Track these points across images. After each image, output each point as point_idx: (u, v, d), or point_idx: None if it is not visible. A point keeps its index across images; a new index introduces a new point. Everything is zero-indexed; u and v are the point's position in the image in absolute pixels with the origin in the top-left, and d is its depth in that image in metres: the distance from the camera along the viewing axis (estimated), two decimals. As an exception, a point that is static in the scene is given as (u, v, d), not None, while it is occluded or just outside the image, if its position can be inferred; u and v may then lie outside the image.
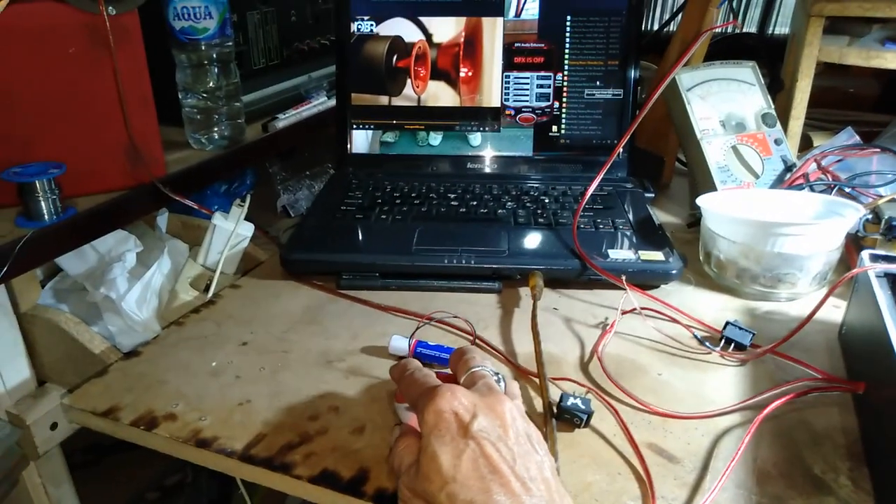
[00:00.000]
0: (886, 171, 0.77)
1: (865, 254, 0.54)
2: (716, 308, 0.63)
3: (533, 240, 0.70)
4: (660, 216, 0.80)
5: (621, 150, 0.80)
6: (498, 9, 0.85)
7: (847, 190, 0.74)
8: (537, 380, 0.52)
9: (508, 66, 0.86)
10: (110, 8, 0.63)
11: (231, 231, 0.73)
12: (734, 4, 1.34)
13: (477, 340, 0.58)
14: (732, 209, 0.66)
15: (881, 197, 0.68)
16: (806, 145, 0.94)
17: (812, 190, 0.72)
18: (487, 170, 0.87)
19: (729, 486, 0.42)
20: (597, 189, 0.77)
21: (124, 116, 0.67)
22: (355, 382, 0.53)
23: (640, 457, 0.44)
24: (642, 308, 0.60)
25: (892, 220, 0.62)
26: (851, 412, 0.49)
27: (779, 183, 0.76)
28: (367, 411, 0.49)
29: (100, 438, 0.53)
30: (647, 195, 0.80)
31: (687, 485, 0.43)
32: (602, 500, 0.42)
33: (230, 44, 0.82)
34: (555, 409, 0.48)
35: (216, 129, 0.83)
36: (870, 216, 0.65)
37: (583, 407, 0.47)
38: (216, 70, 0.81)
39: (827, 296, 0.52)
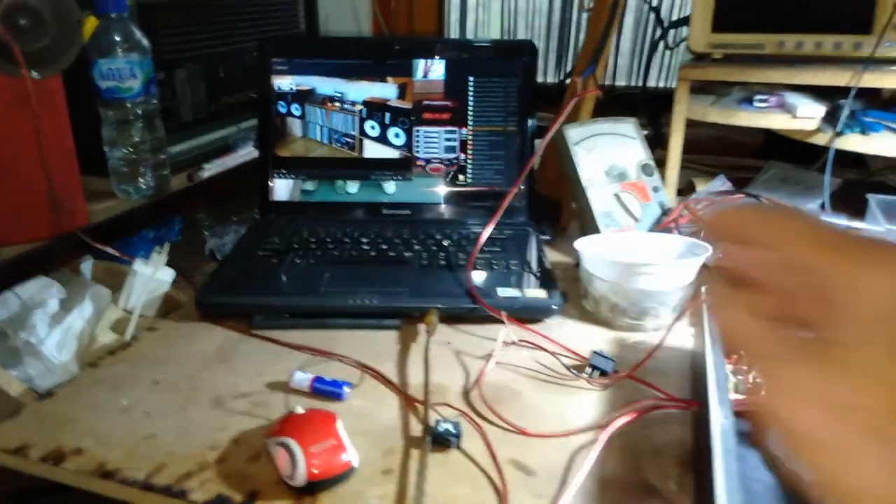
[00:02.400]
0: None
1: (705, 287, 0.62)
2: (592, 339, 0.70)
3: (432, 280, 0.77)
4: (555, 256, 0.88)
5: (521, 196, 0.89)
6: (407, 70, 0.93)
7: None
8: (422, 407, 0.58)
9: (418, 121, 0.94)
10: (33, 72, 0.69)
11: (150, 276, 0.77)
12: (615, 62, 1.47)
13: (370, 373, 0.64)
14: (604, 251, 0.74)
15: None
16: (690, 189, 1.04)
17: (680, 232, 0.81)
18: (400, 215, 0.94)
19: (575, 493, 0.49)
20: (496, 232, 0.85)
21: (46, 171, 0.71)
22: (258, 415, 0.58)
23: (500, 472, 0.51)
24: (522, 340, 0.67)
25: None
26: (689, 428, 0.56)
27: (656, 226, 0.85)
28: (264, 441, 0.55)
29: (27, 484, 0.56)
30: (543, 237, 0.88)
31: (540, 494, 0.49)
32: (465, 510, 0.48)
33: (155, 101, 0.88)
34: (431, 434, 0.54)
35: (141, 179, 0.88)
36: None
37: (453, 431, 0.53)
38: (141, 125, 0.86)
39: (671, 327, 0.60)
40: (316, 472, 0.48)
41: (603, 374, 0.62)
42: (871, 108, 0.90)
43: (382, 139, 0.95)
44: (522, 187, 0.90)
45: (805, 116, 0.89)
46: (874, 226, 0.78)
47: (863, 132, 0.87)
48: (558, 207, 0.97)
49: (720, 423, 0.44)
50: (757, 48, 0.93)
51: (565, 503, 0.48)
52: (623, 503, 0.48)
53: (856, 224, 0.84)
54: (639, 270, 0.68)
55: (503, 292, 0.73)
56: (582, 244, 0.75)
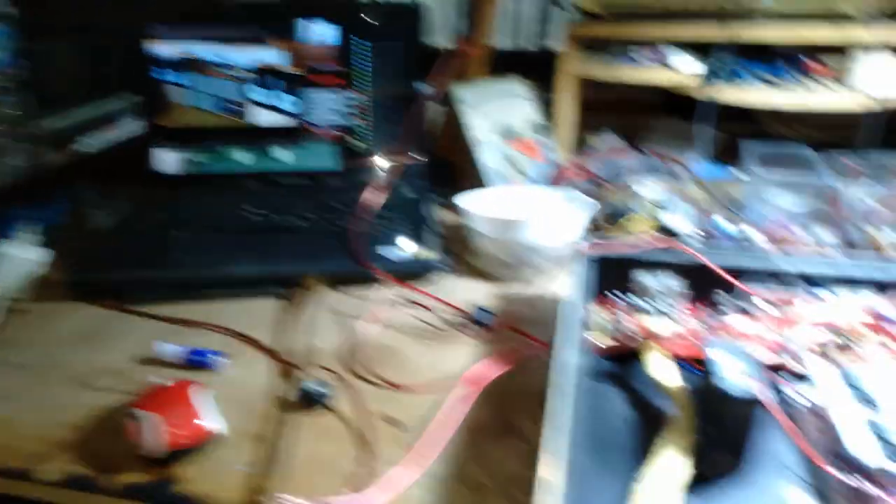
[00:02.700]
0: (638, 167, 0.89)
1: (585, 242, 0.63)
2: (479, 294, 0.71)
3: (319, 246, 0.75)
4: (451, 217, 0.87)
5: (415, 159, 0.88)
6: (292, 33, 0.90)
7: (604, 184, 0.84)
8: (296, 372, 0.57)
9: (308, 85, 0.91)
10: None
11: (17, 257, 0.73)
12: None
13: (246, 342, 0.62)
14: (485, 207, 0.74)
15: (618, 190, 0.79)
16: (582, 146, 1.05)
17: (572, 187, 0.82)
18: (295, 184, 0.92)
19: (441, 440, 0.49)
20: (390, 196, 0.84)
21: None
22: (124, 391, 0.56)
23: (371, 426, 0.50)
24: (404, 299, 0.66)
25: (614, 206, 0.72)
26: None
27: (547, 183, 0.86)
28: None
29: None
30: (438, 199, 0.88)
31: (406, 445, 0.49)
32: (332, 465, 0.47)
33: (20, 71, 0.82)
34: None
35: (7, 157, 0.83)
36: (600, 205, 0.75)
37: (323, 391, 0.53)
38: (5, 98, 0.81)
39: (551, 280, 0.61)
40: (174, 441, 0.47)
41: (484, 326, 0.63)
42: (747, 60, 0.93)
43: (271, 106, 0.92)
44: (416, 150, 0.89)
45: (682, 70, 0.91)
46: (748, 173, 0.81)
47: (738, 84, 0.90)
48: (454, 168, 0.97)
49: (563, 360, 0.45)
50: (643, 6, 0.94)
51: (426, 447, 0.48)
52: (485, 444, 0.49)
53: (734, 172, 0.88)
54: (518, 225, 0.68)
55: (388, 253, 0.73)
56: (464, 201, 0.75)
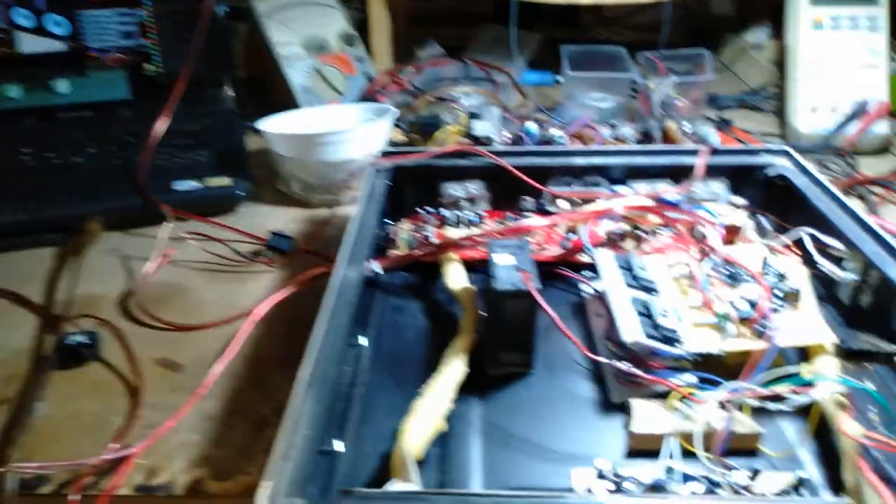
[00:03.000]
0: (457, 77, 0.86)
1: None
2: (287, 221, 0.66)
3: (102, 184, 0.67)
4: (259, 142, 0.81)
5: (218, 80, 0.80)
6: (47, -61, 0.77)
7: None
8: (61, 324, 0.50)
9: (82, 4, 0.79)
10: None
11: None
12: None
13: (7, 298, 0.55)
14: (286, 127, 0.69)
15: (433, 101, 0.76)
16: (407, 59, 1.01)
17: (388, 100, 0.78)
18: (78, 118, 0.80)
19: (221, 379, 0.45)
20: (189, 122, 0.76)
21: None
22: None
23: (139, 374, 0.45)
24: (194, 233, 0.60)
25: (428, 117, 0.69)
26: (363, 291, 0.55)
27: (360, 97, 0.81)
28: None
29: None
30: (243, 123, 0.81)
31: (182, 388, 0.45)
32: (99, 421, 0.42)
33: None
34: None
35: None
36: (414, 118, 0.72)
37: (87, 342, 0.47)
38: None
39: (345, 197, 0.57)
40: None
41: (282, 253, 0.59)
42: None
43: (40, 30, 0.79)
44: (218, 71, 0.80)
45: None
46: (564, 76, 0.81)
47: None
48: (264, 89, 0.89)
49: (341, 274, 0.42)
50: None
51: (205, 388, 0.44)
52: (269, 376, 0.45)
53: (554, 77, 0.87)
54: (319, 141, 0.63)
55: (181, 185, 0.66)
56: (265, 123, 0.69)
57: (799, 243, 0.50)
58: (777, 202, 0.57)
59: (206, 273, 0.58)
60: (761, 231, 0.55)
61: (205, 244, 0.60)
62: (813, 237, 0.49)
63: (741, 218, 0.55)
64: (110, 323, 0.51)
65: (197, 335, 0.50)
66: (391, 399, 0.42)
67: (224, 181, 0.66)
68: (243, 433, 0.41)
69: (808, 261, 0.48)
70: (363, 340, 0.46)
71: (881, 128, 0.77)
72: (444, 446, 0.38)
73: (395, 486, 0.32)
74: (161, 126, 0.71)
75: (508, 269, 0.43)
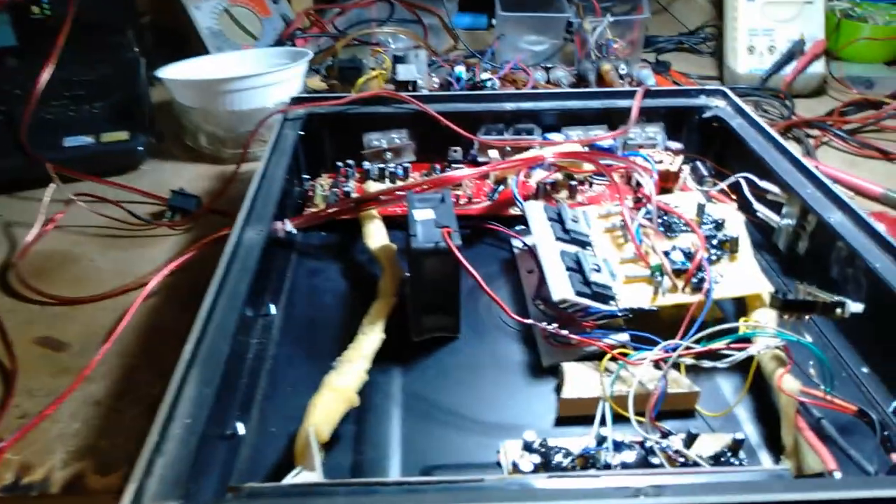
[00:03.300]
0: (385, 19, 0.80)
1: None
2: (194, 179, 0.60)
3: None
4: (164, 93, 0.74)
5: (121, 24, 0.71)
6: None
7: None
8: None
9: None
10: None
11: None
12: None
13: None
14: (191, 74, 0.62)
15: (357, 44, 0.70)
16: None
17: (309, 43, 0.71)
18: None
19: (110, 358, 0.40)
20: (86, 71, 0.67)
21: None
22: None
23: (14, 356, 0.40)
24: (89, 195, 0.54)
25: (340, 62, 0.64)
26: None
27: (276, 40, 0.74)
28: None
29: None
30: (147, 73, 0.73)
31: (66, 369, 0.40)
32: (-34, 415, 0.37)
33: None
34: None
35: None
36: (332, 62, 0.66)
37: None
38: None
39: (258, 150, 0.52)
40: None
41: (186, 214, 0.53)
42: None
43: None
44: (117, 15, 0.72)
45: None
46: (498, 18, 0.76)
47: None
48: (171, 35, 0.81)
49: (237, 236, 0.38)
50: None
51: (101, 369, 0.39)
52: (167, 351, 0.41)
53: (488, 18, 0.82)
54: (224, 88, 0.57)
55: (73, 141, 0.59)
56: (167, 70, 0.62)
57: (736, 189, 0.48)
58: (714, 146, 0.55)
59: (99, 239, 0.52)
60: (698, 177, 0.52)
61: (98, 207, 0.53)
62: (750, 182, 0.47)
63: (678, 164, 0.52)
64: (-8, 298, 0.45)
65: (86, 310, 0.44)
66: (301, 373, 0.38)
67: (122, 136, 0.59)
68: (133, 418, 0.37)
69: (746, 207, 0.46)
70: (273, 309, 0.42)
71: (818, 67, 0.75)
72: (360, 423, 0.35)
73: (296, 476, 0.28)
74: (46, 75, 0.63)
75: (428, 224, 0.39)
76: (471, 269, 0.36)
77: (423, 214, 0.40)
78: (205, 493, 0.27)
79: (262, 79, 0.59)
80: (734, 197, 0.48)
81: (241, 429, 0.33)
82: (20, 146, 0.57)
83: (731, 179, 0.48)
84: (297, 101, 0.54)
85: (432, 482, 0.26)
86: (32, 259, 0.49)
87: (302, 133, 0.52)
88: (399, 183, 0.53)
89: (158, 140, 0.62)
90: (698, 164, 0.53)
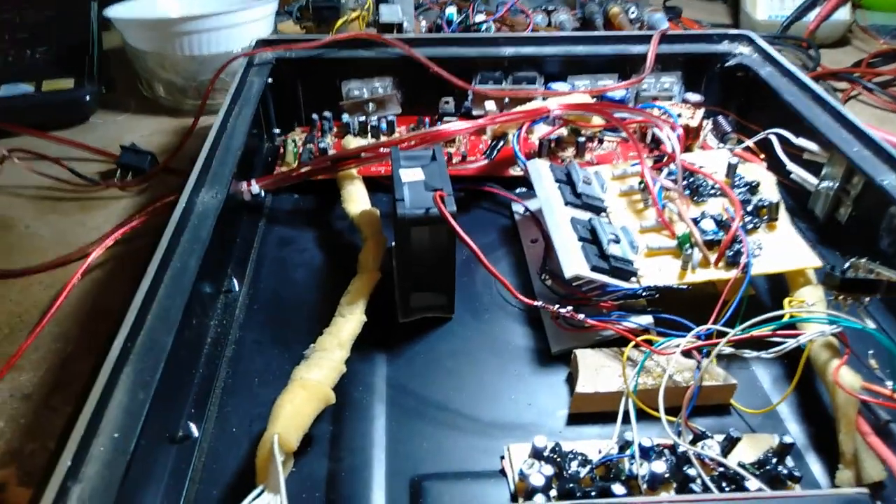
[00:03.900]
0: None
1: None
2: (150, 133, 0.53)
3: None
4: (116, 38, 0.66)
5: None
6: None
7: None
8: None
9: None
10: None
11: None
12: None
13: None
14: (145, 13, 0.55)
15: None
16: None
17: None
18: None
19: (43, 343, 0.34)
20: (25, 11, 0.60)
21: None
22: None
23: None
24: (26, 151, 0.47)
25: (315, 2, 0.56)
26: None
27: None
28: None
29: None
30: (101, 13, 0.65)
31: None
32: None
33: None
34: None
35: None
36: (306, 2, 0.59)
37: None
38: None
39: (205, 98, 0.45)
40: None
41: (139, 173, 0.46)
42: None
43: None
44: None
45: None
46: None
47: None
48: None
49: (187, 199, 0.31)
50: None
51: (38, 352, 0.33)
52: (106, 337, 0.35)
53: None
54: (182, 29, 0.50)
55: (9, 90, 0.51)
56: (117, 9, 0.54)
57: (765, 147, 0.42)
58: (737, 99, 0.49)
59: (36, 202, 0.45)
60: (720, 134, 0.47)
61: (36, 165, 0.46)
62: (782, 139, 0.41)
63: (698, 118, 0.46)
64: None
65: (17, 284, 0.38)
66: (268, 361, 0.32)
67: (66, 84, 0.52)
68: (68, 416, 0.31)
69: (776, 168, 0.41)
70: (236, 285, 0.36)
71: (842, 14, 0.69)
72: (337, 422, 0.29)
73: (256, 500, 0.22)
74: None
75: (417, 187, 0.32)
76: (468, 239, 0.30)
77: (410, 175, 0.33)
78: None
79: (225, 18, 0.52)
80: (762, 156, 0.43)
81: (194, 430, 0.28)
82: (-53, 94, 0.50)
83: (761, 136, 0.42)
84: (264, 43, 0.47)
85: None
86: (-41, 225, 0.43)
87: (270, 81, 0.45)
88: (383, 139, 0.46)
89: (109, 89, 0.54)
90: (719, 118, 0.47)
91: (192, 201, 0.32)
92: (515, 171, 0.44)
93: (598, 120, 0.46)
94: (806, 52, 0.64)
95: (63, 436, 0.30)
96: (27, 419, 0.31)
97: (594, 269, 0.31)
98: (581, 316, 0.30)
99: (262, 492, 0.23)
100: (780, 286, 0.35)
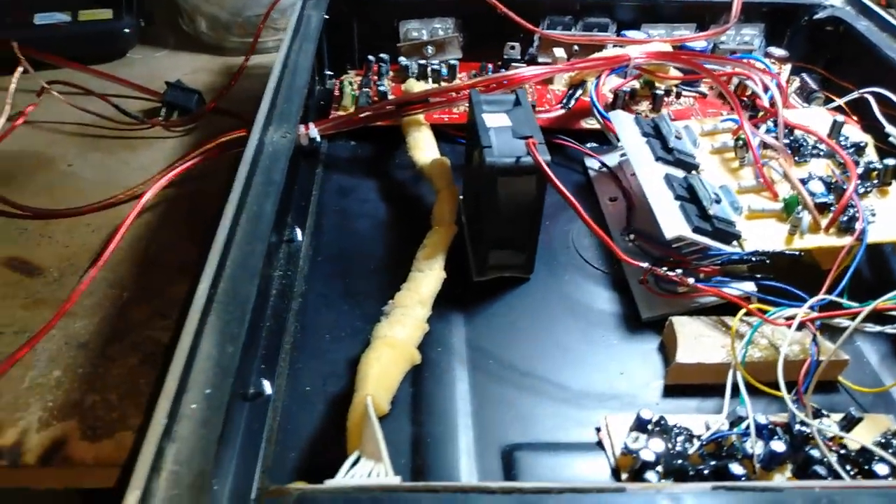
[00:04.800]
0: None
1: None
2: (193, 71, 0.50)
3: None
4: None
5: None
6: None
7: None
8: None
9: None
10: None
11: None
12: None
13: None
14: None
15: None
16: None
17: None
18: None
19: (97, 289, 0.32)
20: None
21: None
22: None
23: (-18, 282, 0.32)
24: (68, 84, 0.44)
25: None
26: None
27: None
28: None
29: None
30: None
31: (42, 302, 0.32)
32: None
33: None
34: None
35: None
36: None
37: None
38: None
39: (269, 39, 0.42)
40: None
41: (186, 112, 0.44)
42: None
43: None
44: None
45: None
46: None
47: None
48: None
49: (258, 140, 0.29)
50: None
51: (88, 300, 0.31)
52: (165, 282, 0.33)
53: None
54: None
55: (45, 18, 0.48)
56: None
57: (859, 107, 0.39)
58: (825, 54, 0.45)
59: (80, 139, 0.43)
60: (806, 92, 0.44)
61: (78, 100, 0.44)
62: (882, 98, 0.38)
63: (784, 75, 0.43)
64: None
65: (64, 225, 0.36)
66: (337, 316, 0.30)
67: (104, 14, 0.49)
68: (130, 370, 0.29)
69: (872, 129, 0.38)
70: (299, 234, 0.34)
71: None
72: (417, 384, 0.27)
73: (357, 468, 0.21)
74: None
75: (504, 133, 0.30)
76: (568, 194, 0.27)
77: (495, 120, 0.31)
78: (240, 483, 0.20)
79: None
80: (855, 118, 0.40)
81: (267, 387, 0.26)
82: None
83: (855, 95, 0.39)
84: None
85: (555, 489, 0.18)
86: (-2, 160, 0.40)
87: (327, 17, 0.42)
88: (444, 84, 0.43)
89: (148, 22, 0.51)
90: (804, 75, 0.44)
91: (262, 142, 0.30)
92: (588, 124, 0.41)
93: (674, 72, 0.43)
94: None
95: (124, 389, 0.28)
96: (85, 370, 0.29)
97: (696, 230, 0.29)
98: (692, 280, 0.28)
99: (359, 459, 0.21)
100: (877, 257, 0.33)
